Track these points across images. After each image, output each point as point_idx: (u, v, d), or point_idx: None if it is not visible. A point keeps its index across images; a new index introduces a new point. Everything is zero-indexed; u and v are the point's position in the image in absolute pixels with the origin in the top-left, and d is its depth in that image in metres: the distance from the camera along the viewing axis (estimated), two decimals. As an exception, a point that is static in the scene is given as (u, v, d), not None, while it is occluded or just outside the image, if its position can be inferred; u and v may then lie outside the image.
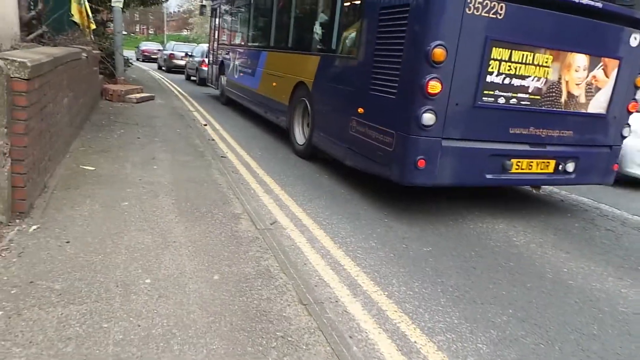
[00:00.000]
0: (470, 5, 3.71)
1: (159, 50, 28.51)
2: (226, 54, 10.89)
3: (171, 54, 21.95)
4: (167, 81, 16.55)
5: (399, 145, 4.04)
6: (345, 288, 2.88)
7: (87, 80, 6.87)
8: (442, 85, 3.78)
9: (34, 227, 3.01)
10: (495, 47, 3.91)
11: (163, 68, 23.16)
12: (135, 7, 20.92)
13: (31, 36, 5.98)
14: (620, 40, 4.48)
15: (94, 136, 5.94)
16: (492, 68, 3.95)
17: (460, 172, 4.18)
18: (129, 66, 13.38)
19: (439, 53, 3.70)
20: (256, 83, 8.33)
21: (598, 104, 4.59)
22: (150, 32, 71.02)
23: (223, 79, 11.11)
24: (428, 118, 3.83)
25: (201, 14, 15.89)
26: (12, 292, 2.28)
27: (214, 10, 12.33)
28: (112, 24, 11.90)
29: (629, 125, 4.89)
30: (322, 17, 5.95)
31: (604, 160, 4.83)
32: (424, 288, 3.01)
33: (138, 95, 9.70)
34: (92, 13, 9.92)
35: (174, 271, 2.71)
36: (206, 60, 13.80)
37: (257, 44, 8.80)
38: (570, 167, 4.61)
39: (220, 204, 4.02)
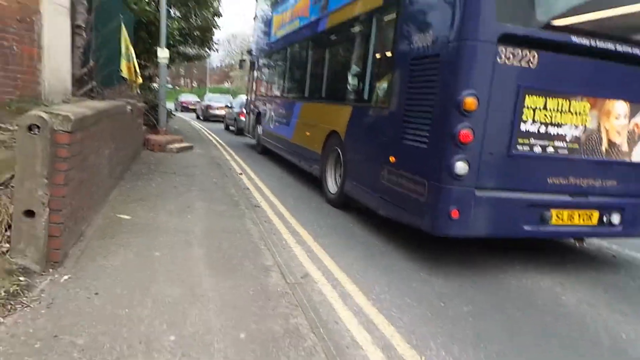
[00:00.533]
0: (502, 55, 3.68)
1: (196, 102, 30.51)
2: (263, 104, 11.24)
3: (208, 105, 23.81)
4: (206, 131, 17.17)
5: (431, 195, 3.93)
6: (378, 351, 2.69)
7: (131, 132, 7.18)
8: (474, 133, 3.72)
9: (66, 277, 3.03)
10: (529, 95, 3.83)
11: (201, 117, 24.62)
12: (180, 63, 22.30)
13: (81, 91, 6.36)
14: None
15: (133, 185, 6.11)
16: (526, 116, 3.86)
17: (496, 223, 4.02)
18: (171, 117, 14.01)
19: (470, 102, 3.65)
20: (291, 132, 8.52)
21: None
22: (194, 85, 75.05)
23: (259, 129, 11.38)
24: (461, 167, 3.74)
25: (240, 67, 16.93)
26: (36, 346, 2.24)
27: (252, 63, 12.89)
28: (158, 78, 12.61)
29: None
30: (354, 68, 6.08)
31: None
32: (465, 352, 2.77)
33: (178, 145, 10.05)
34: (140, 69, 10.56)
35: (199, 328, 2.62)
36: (244, 110, 14.39)
37: (291, 95, 9.07)
38: (615, 218, 4.31)
39: (251, 255, 3.95)
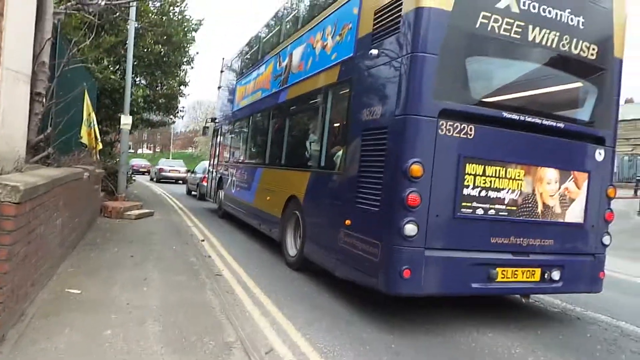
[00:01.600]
0: (443, 127, 4.07)
1: (146, 165, 34.06)
2: (225, 169, 11.46)
3: (161, 168, 26.91)
4: (167, 196, 16.82)
5: (384, 256, 4.11)
6: None
7: (87, 199, 6.90)
8: (421, 197, 3.98)
9: (0, 365, 2.71)
10: (469, 163, 4.20)
11: (154, 179, 26.83)
12: (144, 128, 22.22)
13: (36, 158, 6.12)
14: (586, 155, 4.79)
15: (85, 256, 5.76)
16: (467, 182, 4.19)
17: (446, 281, 4.21)
18: (131, 182, 13.68)
19: (416, 169, 3.96)
20: (252, 197, 8.69)
21: (574, 214, 4.74)
22: (157, 150, 74.60)
23: (221, 194, 11.49)
24: (410, 229, 3.95)
25: (203, 134, 17.69)
26: None
27: (215, 130, 13.42)
28: (119, 143, 12.45)
29: (609, 234, 4.94)
30: (312, 137, 6.43)
31: (589, 268, 4.86)
32: None
33: (137, 212, 9.72)
34: (101, 134, 10.42)
35: (151, 419, 2.35)
36: (207, 176, 14.63)
37: (253, 161, 9.36)
38: (556, 275, 4.58)
39: (212, 330, 3.70)
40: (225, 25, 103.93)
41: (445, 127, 4.09)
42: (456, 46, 4.19)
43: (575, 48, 4.62)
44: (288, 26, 8.13)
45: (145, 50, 12.23)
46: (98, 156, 9.61)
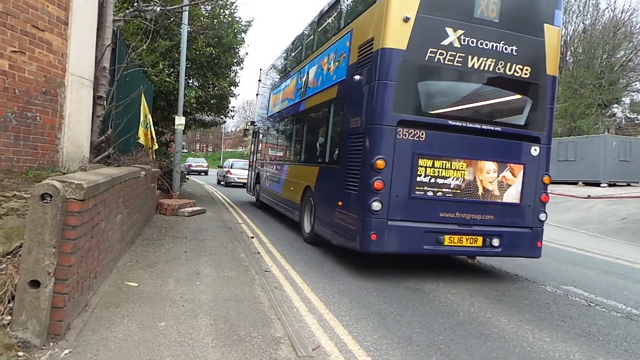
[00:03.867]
0: (400, 133, 5.53)
1: (202, 164, 38.83)
2: (261, 167, 13.21)
3: (189, 164, 34.55)
4: (220, 195, 17.34)
5: (359, 225, 5.62)
6: None
7: (144, 197, 7.24)
8: (384, 183, 5.45)
9: (66, 351, 2.90)
10: (421, 158, 5.60)
11: (185, 173, 30.17)
12: (196, 128, 23.12)
13: (98, 158, 6.51)
14: (522, 151, 6.06)
15: (143, 250, 6.06)
16: (420, 172, 5.61)
17: (403, 243, 5.65)
18: (185, 181, 14.21)
19: (380, 163, 5.44)
20: (280, 189, 10.38)
21: (511, 196, 6.01)
22: (209, 149, 77.06)
23: (258, 187, 13.40)
24: (376, 205, 5.45)
25: (244, 135, 22.64)
26: None
27: (253, 133, 15.20)
28: (173, 144, 12.97)
29: (545, 212, 6.17)
30: (320, 139, 8.05)
31: (527, 238, 6.11)
32: None
33: (190, 209, 10.09)
34: (157, 135, 10.90)
35: (202, 409, 2.44)
36: (231, 170, 22.25)
37: (281, 160, 11.10)
38: (495, 242, 5.90)
39: (260, 325, 3.78)
40: (274, 24, 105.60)
41: (402, 132, 5.52)
42: (409, 74, 5.58)
43: (510, 70, 5.91)
44: (306, 49, 9.65)
45: (198, 52, 12.65)
46: (154, 156, 10.07)
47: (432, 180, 5.61)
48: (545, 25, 6.08)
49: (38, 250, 2.85)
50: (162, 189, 11.03)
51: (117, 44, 7.56)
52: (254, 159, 14.38)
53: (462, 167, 5.74)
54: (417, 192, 5.57)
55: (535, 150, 6.06)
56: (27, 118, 5.11)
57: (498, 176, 5.90)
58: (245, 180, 22.48)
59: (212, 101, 14.53)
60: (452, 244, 5.74)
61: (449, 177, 5.68)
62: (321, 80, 7.91)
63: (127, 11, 8.70)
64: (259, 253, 6.93)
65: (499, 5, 5.84)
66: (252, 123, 15.66)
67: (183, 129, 11.78)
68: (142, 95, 8.77)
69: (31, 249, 2.86)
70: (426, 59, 5.58)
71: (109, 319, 3.56)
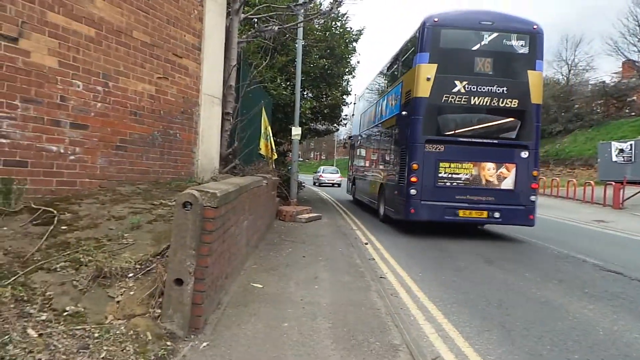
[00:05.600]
0: (427, 147, 8.71)
1: (335, 176, 36.40)
2: (355, 172, 17.06)
3: (320, 174, 34.29)
4: (330, 198, 17.77)
5: (404, 204, 8.91)
6: None
7: (266, 204, 7.76)
8: (417, 178, 8.67)
9: (205, 344, 3.23)
10: (441, 162, 8.73)
11: (316, 183, 34.59)
12: (311, 138, 24.07)
13: (226, 168, 7.17)
14: (514, 155, 8.86)
15: (265, 254, 6.48)
16: (440, 171, 8.74)
17: (432, 214, 8.80)
18: (302, 189, 14.86)
19: (415, 166, 8.69)
20: (368, 187, 13.97)
21: (507, 184, 8.87)
22: (322, 157, 79.54)
23: (353, 188, 17.28)
24: (413, 192, 8.70)
25: (344, 147, 26.48)
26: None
27: (351, 145, 18.78)
28: (291, 153, 13.71)
29: (536, 195, 8.92)
30: (387, 151, 11.47)
31: (522, 212, 8.88)
32: None
33: (307, 216, 10.53)
34: (276, 145, 11.62)
35: (324, 409, 2.53)
36: (322, 174, 32.60)
37: (366, 166, 14.74)
38: (497, 215, 8.81)
39: (377, 332, 3.80)
40: (384, 28, 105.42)
41: (428, 147, 8.70)
42: (432, 111, 8.78)
43: (502, 103, 8.77)
44: (383, 85, 13.04)
45: (312, 65, 13.22)
46: (274, 165, 10.73)
47: (449, 175, 8.76)
48: (528, 71, 8.82)
49: (182, 252, 3.24)
50: (281, 197, 11.69)
51: (241, 63, 8.26)
52: (351, 165, 18.31)
53: (470, 167, 8.81)
54: (439, 183, 8.73)
55: (525, 154, 8.83)
56: (169, 135, 5.83)
57: (497, 171, 8.85)
58: (332, 182, 32.29)
59: (325, 110, 15.05)
60: (465, 216, 8.77)
61: (460, 173, 8.78)
62: (388, 110, 11.35)
63: (249, 33, 9.45)
64: (373, 259, 6.96)
65: (492, 63, 8.81)
66: (350, 137, 19.77)
67: (299, 138, 12.37)
68: (263, 109, 9.43)
69: (176, 251, 3.25)
70: (442, 101, 8.75)
71: (239, 316, 3.89)
